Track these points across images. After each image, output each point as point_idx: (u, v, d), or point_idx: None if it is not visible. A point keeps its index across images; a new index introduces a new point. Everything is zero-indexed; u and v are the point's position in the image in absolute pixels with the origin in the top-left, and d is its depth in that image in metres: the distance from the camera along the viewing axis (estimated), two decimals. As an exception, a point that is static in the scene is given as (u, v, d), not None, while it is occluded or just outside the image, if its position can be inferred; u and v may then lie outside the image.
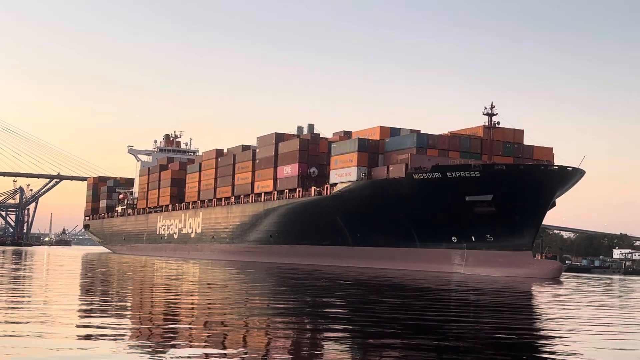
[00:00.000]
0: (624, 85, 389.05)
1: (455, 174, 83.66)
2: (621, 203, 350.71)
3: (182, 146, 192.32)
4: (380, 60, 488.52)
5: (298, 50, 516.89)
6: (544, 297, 49.17)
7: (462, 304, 39.98)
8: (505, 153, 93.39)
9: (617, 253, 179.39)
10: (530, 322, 30.61)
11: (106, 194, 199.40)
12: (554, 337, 24.51)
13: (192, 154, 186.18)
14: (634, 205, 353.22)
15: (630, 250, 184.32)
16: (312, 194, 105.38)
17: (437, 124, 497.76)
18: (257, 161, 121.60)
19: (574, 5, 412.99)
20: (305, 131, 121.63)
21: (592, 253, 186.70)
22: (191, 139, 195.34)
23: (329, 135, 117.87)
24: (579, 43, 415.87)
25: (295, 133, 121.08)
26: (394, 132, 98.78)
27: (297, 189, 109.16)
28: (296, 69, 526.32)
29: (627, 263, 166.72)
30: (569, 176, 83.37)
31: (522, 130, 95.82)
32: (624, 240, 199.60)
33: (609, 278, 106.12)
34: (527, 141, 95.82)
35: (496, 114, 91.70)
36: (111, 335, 20.51)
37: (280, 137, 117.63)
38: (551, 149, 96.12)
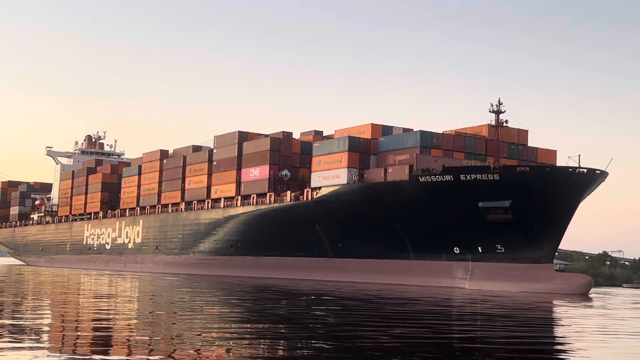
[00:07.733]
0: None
1: (471, 176, 74.55)
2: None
3: (106, 148, 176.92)
4: (344, 55, 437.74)
5: (243, 45, 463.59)
6: None
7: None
8: (510, 155, 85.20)
9: None
10: None
11: (18, 199, 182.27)
12: None
13: (117, 156, 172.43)
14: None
15: None
16: (288, 199, 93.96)
17: (424, 123, 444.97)
18: (215, 163, 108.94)
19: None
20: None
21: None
22: (116, 141, 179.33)
23: (297, 136, 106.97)
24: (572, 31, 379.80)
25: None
26: (386, 130, 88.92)
27: (268, 194, 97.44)
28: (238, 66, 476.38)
29: None
30: (596, 180, 75.79)
31: (527, 131, 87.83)
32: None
33: None
34: (531, 142, 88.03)
35: (504, 111, 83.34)
36: None
37: (244, 136, 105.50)
38: (555, 151, 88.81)
